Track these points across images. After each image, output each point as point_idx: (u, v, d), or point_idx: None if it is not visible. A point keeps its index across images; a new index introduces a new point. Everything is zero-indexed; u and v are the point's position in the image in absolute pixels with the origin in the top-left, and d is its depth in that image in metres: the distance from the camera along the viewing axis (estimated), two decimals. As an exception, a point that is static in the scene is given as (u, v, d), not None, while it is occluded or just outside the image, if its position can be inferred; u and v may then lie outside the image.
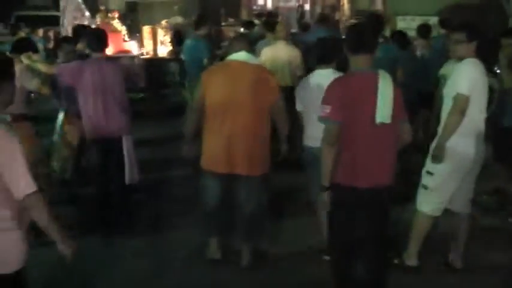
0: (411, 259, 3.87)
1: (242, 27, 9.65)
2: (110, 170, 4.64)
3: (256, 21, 10.02)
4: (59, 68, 4.85)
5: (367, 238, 3.20)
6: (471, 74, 3.62)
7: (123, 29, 11.10)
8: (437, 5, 10.26)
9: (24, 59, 4.74)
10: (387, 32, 7.09)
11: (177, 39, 8.14)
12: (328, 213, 3.30)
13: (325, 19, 8.51)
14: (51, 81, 4.80)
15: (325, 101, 3.12)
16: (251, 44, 4.19)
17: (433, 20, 11.24)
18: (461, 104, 3.53)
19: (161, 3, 14.88)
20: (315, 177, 3.37)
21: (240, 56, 3.82)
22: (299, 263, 4.10)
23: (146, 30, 10.65)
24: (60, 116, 5.31)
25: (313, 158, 3.69)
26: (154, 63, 9.29)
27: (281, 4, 18.12)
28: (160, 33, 10.41)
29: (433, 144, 3.67)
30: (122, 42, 10.47)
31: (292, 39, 7.13)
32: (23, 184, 2.37)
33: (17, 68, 4.59)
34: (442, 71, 5.05)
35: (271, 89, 3.83)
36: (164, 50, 9.99)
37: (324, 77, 3.77)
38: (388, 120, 3.06)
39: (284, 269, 4.05)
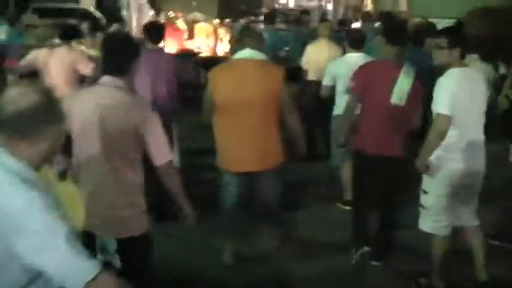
0: (436, 280, 3.69)
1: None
2: None
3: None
4: None
5: (378, 193, 4.09)
6: (452, 89, 3.36)
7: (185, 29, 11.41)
8: (463, 7, 9.92)
9: (76, 45, 4.95)
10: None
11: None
12: (352, 172, 4.32)
13: (368, 16, 9.15)
14: None
15: (352, 77, 4.05)
16: (259, 41, 4.04)
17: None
18: (441, 125, 3.33)
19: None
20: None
21: (244, 53, 3.83)
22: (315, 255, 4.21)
23: (202, 28, 10.81)
24: None
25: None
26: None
27: (304, 3, 18.03)
28: (221, 31, 10.55)
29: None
30: (184, 41, 10.65)
31: (335, 37, 6.98)
32: (164, 152, 2.73)
33: (71, 53, 4.82)
34: None
35: (277, 82, 3.77)
36: (222, 48, 10.09)
37: (353, 58, 4.77)
38: (401, 103, 3.77)
39: (301, 259, 4.16)
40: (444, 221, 3.56)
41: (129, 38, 3.11)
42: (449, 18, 9.87)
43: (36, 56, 5.01)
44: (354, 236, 4.19)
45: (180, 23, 11.57)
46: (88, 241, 2.57)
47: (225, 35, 10.84)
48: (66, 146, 2.81)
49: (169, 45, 9.45)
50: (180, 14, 12.51)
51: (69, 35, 5.12)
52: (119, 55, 2.77)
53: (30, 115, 1.58)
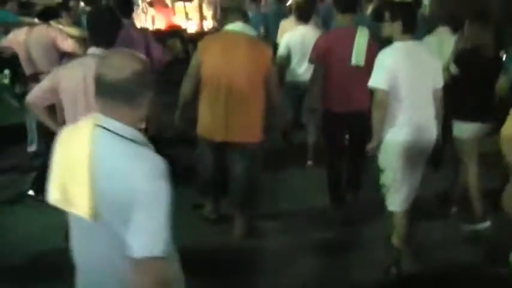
0: (408, 263, 3.71)
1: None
2: None
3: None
4: None
5: (348, 146, 4.51)
6: (389, 63, 3.40)
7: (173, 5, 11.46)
8: None
9: (55, 24, 5.04)
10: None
11: None
12: (321, 129, 4.69)
13: None
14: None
15: (313, 48, 4.41)
16: (246, 15, 4.31)
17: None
18: (379, 99, 3.39)
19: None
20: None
21: (236, 26, 3.88)
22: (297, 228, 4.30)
23: (192, 5, 10.86)
24: None
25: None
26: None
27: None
28: (205, 8, 10.61)
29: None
30: (172, 18, 10.70)
31: None
32: None
33: (50, 31, 4.92)
34: None
35: (265, 59, 3.86)
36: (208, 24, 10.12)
37: (300, 31, 5.33)
38: (361, 64, 4.07)
39: (282, 234, 4.23)
40: (404, 198, 3.62)
41: (112, 11, 3.28)
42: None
43: (16, 36, 5.04)
44: (330, 196, 4.54)
45: (167, 0, 11.65)
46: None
47: (208, 12, 10.90)
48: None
49: (159, 22, 9.46)
50: None
51: (47, 15, 5.18)
52: (104, 27, 2.99)
53: (133, 82, 1.65)
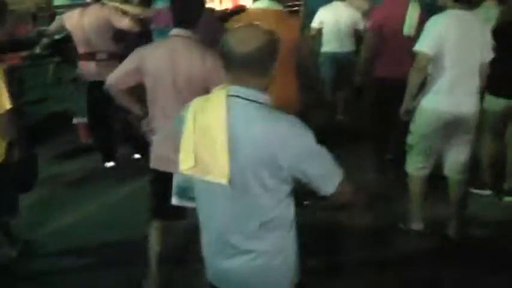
0: (415, 223, 3.76)
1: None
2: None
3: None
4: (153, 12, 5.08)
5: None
6: (437, 29, 3.35)
7: None
8: None
9: (109, 1, 5.02)
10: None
11: None
12: (374, 97, 4.73)
13: None
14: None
15: (369, 18, 4.70)
16: None
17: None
18: (419, 62, 3.36)
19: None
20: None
21: (262, 3, 3.95)
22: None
23: None
24: None
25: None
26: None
27: None
28: None
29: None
30: None
31: None
32: None
33: (104, 10, 4.89)
34: None
35: (293, 32, 3.85)
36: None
37: (334, 5, 5.79)
38: (412, 33, 4.18)
39: None
40: (422, 162, 3.60)
41: None
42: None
43: (70, 16, 5.05)
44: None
45: None
46: (165, 183, 2.91)
47: None
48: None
49: (225, 2, 9.65)
50: None
51: None
52: (187, 8, 2.96)
53: (264, 52, 1.74)
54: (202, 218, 1.93)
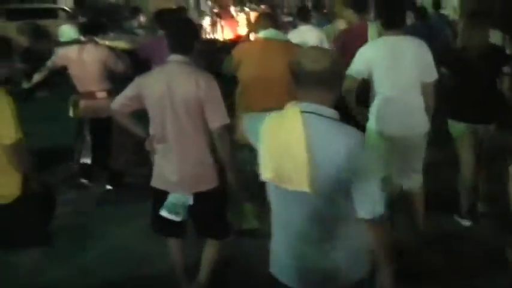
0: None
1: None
2: None
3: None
4: (140, 44, 5.43)
5: None
6: (366, 54, 3.61)
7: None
8: None
9: (100, 40, 5.21)
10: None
11: None
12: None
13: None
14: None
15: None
16: (276, 21, 4.64)
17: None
18: (347, 84, 3.53)
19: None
20: None
21: (268, 33, 4.14)
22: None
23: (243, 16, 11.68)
24: None
25: None
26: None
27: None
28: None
29: None
30: (237, 29, 11.19)
31: None
32: (219, 116, 3.02)
33: (100, 51, 5.09)
34: None
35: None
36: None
37: (303, 28, 6.17)
38: None
39: None
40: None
41: (190, 21, 3.55)
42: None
43: (67, 52, 5.24)
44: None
45: (233, 12, 12.49)
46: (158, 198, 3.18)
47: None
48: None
49: (227, 32, 9.72)
50: (230, 2, 13.25)
51: (93, 29, 5.35)
52: (185, 35, 3.17)
53: (334, 70, 2.00)
54: (279, 222, 2.15)
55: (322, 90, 1.99)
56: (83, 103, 5.28)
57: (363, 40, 4.32)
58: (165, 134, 3.09)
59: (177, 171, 3.13)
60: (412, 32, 4.30)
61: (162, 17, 5.34)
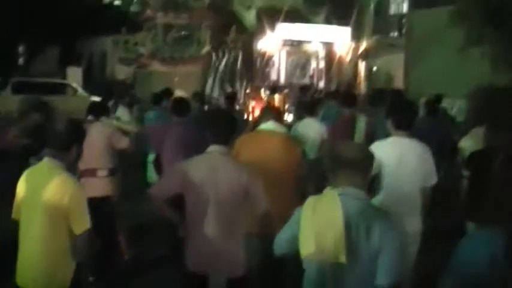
0: None
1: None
2: None
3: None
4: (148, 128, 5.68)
5: None
6: (376, 152, 3.53)
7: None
8: (466, 86, 9.69)
9: (108, 120, 5.34)
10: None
11: None
12: None
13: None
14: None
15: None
16: (279, 114, 4.74)
17: (460, 103, 10.82)
18: None
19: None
20: None
21: (269, 125, 4.23)
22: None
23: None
24: None
25: None
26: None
27: (294, 80, 18.06)
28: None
29: None
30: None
31: None
32: (261, 202, 3.25)
33: (105, 130, 5.19)
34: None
35: (296, 156, 4.19)
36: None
37: (306, 122, 6.06)
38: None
39: None
40: None
41: (229, 112, 3.82)
42: (452, 97, 9.82)
43: None
44: None
45: (262, 93, 13.50)
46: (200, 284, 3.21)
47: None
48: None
49: (257, 113, 10.77)
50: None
51: (99, 111, 5.42)
52: (225, 128, 3.33)
53: (368, 158, 2.47)
54: None
55: (358, 175, 2.40)
56: (83, 181, 4.94)
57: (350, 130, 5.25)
58: (205, 220, 3.15)
59: (215, 255, 3.19)
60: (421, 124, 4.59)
61: (180, 105, 5.43)
